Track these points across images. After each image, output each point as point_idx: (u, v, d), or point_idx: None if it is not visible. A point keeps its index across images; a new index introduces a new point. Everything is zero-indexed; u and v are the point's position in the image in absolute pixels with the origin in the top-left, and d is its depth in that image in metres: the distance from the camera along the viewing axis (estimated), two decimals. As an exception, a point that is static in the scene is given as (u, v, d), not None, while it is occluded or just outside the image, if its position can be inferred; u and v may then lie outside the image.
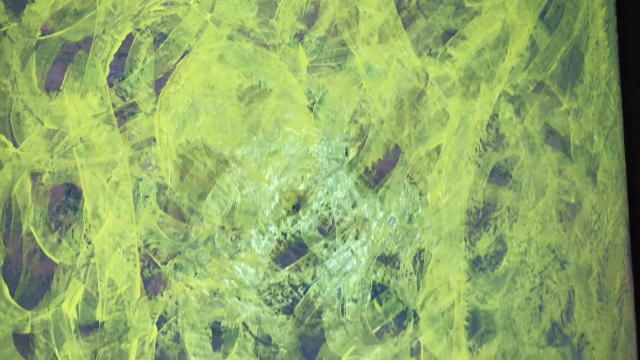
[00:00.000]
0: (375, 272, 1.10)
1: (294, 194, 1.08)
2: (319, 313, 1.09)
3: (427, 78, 1.13)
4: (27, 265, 1.04)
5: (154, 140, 1.06)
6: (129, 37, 1.08)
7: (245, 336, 1.07)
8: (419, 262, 1.11)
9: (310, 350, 1.09)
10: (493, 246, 1.12)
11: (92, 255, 1.05)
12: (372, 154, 1.10)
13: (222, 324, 1.07)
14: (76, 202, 1.05)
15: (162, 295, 1.06)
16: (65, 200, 1.05)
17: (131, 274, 1.05)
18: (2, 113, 1.05)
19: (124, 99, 1.07)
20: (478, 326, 1.12)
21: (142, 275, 1.06)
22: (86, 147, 1.05)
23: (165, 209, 1.06)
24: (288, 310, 1.08)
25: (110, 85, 1.07)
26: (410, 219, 1.11)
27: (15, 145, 1.05)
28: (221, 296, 1.07)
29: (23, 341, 1.04)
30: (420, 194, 1.11)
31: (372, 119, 1.10)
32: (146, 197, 1.06)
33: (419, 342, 1.11)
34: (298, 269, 1.09)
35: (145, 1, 1.08)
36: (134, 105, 1.07)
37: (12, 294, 1.03)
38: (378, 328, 1.10)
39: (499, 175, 1.12)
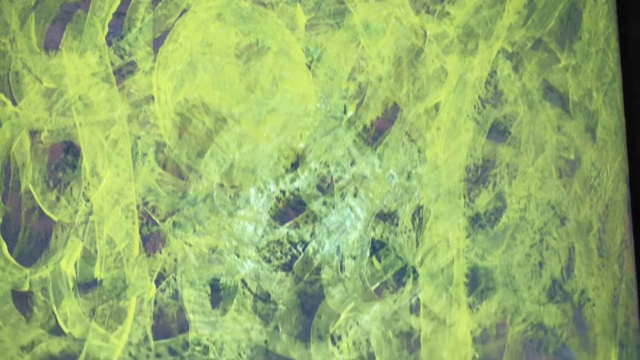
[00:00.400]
0: (374, 229, 1.10)
1: (293, 151, 1.08)
2: (318, 270, 1.09)
3: (425, 35, 1.12)
4: (25, 223, 1.04)
5: (153, 98, 1.06)
6: (126, -5, 1.08)
7: (244, 293, 1.07)
8: (417, 219, 1.10)
9: (309, 307, 1.08)
10: (492, 203, 1.12)
11: (90, 213, 1.04)
12: (371, 111, 1.10)
13: (220, 281, 1.07)
14: (75, 160, 1.05)
15: (160, 253, 1.06)
16: (64, 158, 1.04)
17: (130, 232, 1.05)
18: (1, 72, 1.05)
19: (122, 57, 1.07)
20: (478, 283, 1.12)
21: (140, 232, 1.05)
22: (85, 105, 1.05)
23: (164, 167, 1.06)
24: (287, 267, 1.08)
25: (109, 44, 1.07)
26: (409, 176, 1.10)
27: (14, 103, 1.04)
28: (220, 253, 1.07)
29: (21, 299, 1.03)
30: (419, 151, 1.10)
31: (371, 76, 1.10)
32: (145, 155, 1.06)
33: (418, 299, 1.10)
34: (297, 226, 1.08)
35: (142, -42, 1.08)
36: (132, 63, 1.07)
37: (10, 251, 1.03)
38: (377, 285, 1.10)
39: (498, 132, 1.12)
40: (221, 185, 1.07)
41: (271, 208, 1.08)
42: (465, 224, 1.11)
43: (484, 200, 1.12)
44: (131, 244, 1.05)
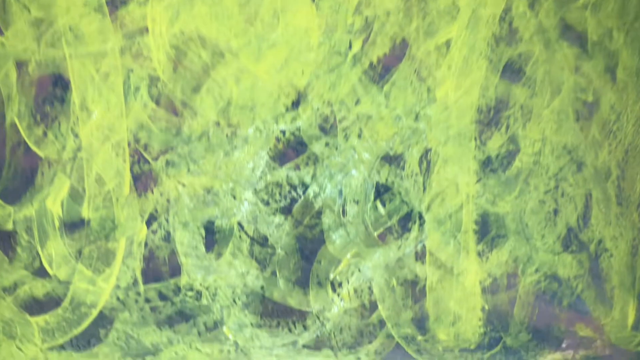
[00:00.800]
0: (378, 172, 1.05)
1: (294, 89, 1.03)
2: (319, 214, 1.05)
3: (436, -32, 1.07)
4: (10, 159, 1.00)
5: (147, 30, 1.01)
6: None
7: (240, 236, 1.03)
8: (425, 163, 1.05)
9: (309, 252, 1.05)
10: (505, 146, 1.06)
11: (79, 149, 1.00)
12: (378, 47, 1.04)
13: (215, 224, 1.03)
14: (63, 93, 1.00)
15: (152, 193, 1.02)
16: (52, 92, 1.00)
17: (120, 170, 1.01)
18: (-14, 0, 1.00)
19: (115, -14, 1.02)
20: (488, 230, 1.07)
21: (131, 171, 1.01)
22: (75, 36, 1.00)
23: (157, 102, 1.01)
24: (286, 211, 1.04)
25: (101, -28, 1.02)
26: (417, 117, 1.05)
27: (0, 33, 1.00)
28: (215, 194, 1.03)
29: (4, 238, 1.01)
30: (428, 91, 1.05)
31: (378, 10, 1.05)
32: (137, 89, 1.01)
33: (424, 246, 1.06)
34: (297, 167, 1.04)
35: None
36: (125, -7, 1.02)
37: (-6, 188, 1.00)
38: (381, 230, 1.05)
39: (512, 71, 1.06)
40: (217, 123, 1.02)
41: (270, 148, 1.03)
42: (475, 168, 1.06)
43: (496, 143, 1.06)
44: (121, 183, 1.01)
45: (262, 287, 1.04)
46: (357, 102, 1.04)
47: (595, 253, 1.09)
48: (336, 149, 1.04)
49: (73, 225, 1.01)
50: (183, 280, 1.03)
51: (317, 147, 1.04)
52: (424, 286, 1.06)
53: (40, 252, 1.01)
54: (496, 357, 1.08)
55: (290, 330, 1.05)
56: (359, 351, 1.06)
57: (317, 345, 1.06)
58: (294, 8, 1.03)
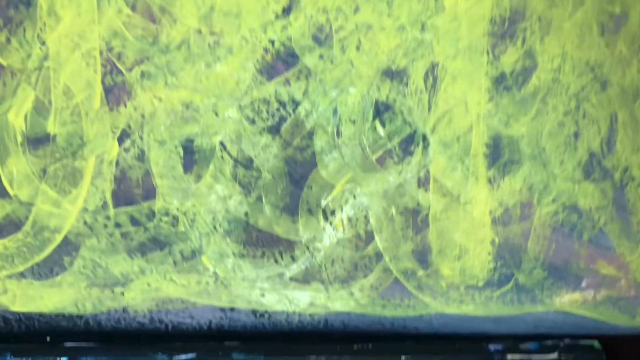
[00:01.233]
0: (378, 88, 0.97)
1: (285, -6, 0.96)
2: (310, 134, 0.97)
3: None
4: None
5: None
6: None
7: (222, 157, 0.97)
8: (431, 78, 0.98)
9: (299, 176, 0.98)
10: (520, 61, 0.98)
11: (45, 58, 0.94)
12: (380, -51, 0.97)
13: (195, 142, 0.96)
14: (29, -4, 0.93)
15: (125, 107, 0.95)
16: (17, -5, 0.93)
17: (90, 81, 0.94)
18: None
19: None
20: (500, 154, 0.99)
21: (103, 82, 0.95)
22: None
23: (133, 8, 0.94)
24: (274, 130, 0.97)
25: None
26: (423, 28, 0.97)
27: None
28: (195, 110, 0.96)
29: (-42, 154, 0.95)
30: (436, -1, 0.98)
31: None
32: (111, -7, 0.94)
33: (428, 171, 0.99)
34: (287, 82, 0.96)
35: None
36: None
37: (-51, 99, 0.94)
38: (380, 153, 0.98)
39: (530, -22, 0.99)
40: (199, 31, 0.95)
41: (257, 60, 0.96)
42: (487, 85, 0.98)
43: (510, 58, 0.98)
44: (91, 95, 0.94)
45: (245, 214, 0.98)
46: (356, 9, 0.96)
47: (620, 182, 1.02)
48: (331, 62, 0.97)
49: (37, 141, 0.95)
50: (158, 204, 0.96)
51: (309, 60, 0.96)
52: (427, 216, 1.00)
53: (0, 170, 0.95)
54: (507, 295, 1.02)
55: (276, 261, 0.99)
56: (352, 285, 1.00)
57: (306, 278, 1.00)
58: None
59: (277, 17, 0.95)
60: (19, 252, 0.95)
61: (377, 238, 0.99)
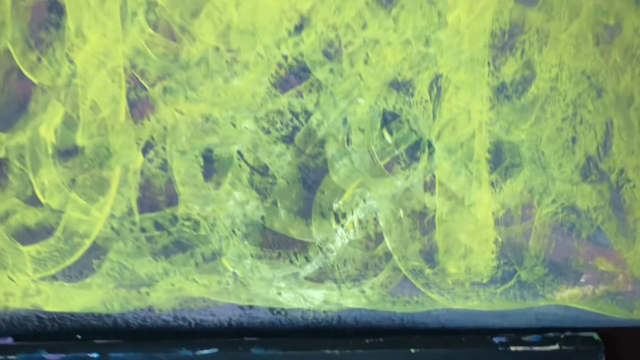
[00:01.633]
0: (386, 99, 1.01)
1: (297, 12, 0.99)
2: (322, 143, 1.01)
3: None
4: (3, 85, 0.97)
5: (144, -47, 0.98)
6: None
7: (239, 165, 1.00)
8: (435, 89, 1.01)
9: (311, 181, 1.01)
10: (520, 71, 1.02)
11: (74, 76, 0.98)
12: (385, -31, 1.00)
13: (214, 152, 1.00)
14: (59, 18, 0.97)
15: (149, 120, 0.99)
16: (47, 17, 0.97)
17: (116, 96, 0.98)
18: None
19: None
20: (502, 159, 1.02)
21: (127, 97, 0.98)
22: (70, -40, 0.98)
23: (155, 28, 0.98)
24: (288, 139, 1.00)
25: None
26: (427, 42, 1.00)
27: (-6, -42, 0.97)
28: (214, 122, 0.99)
29: (-3, 165, 0.99)
30: (439, 14, 1.00)
31: None
32: (134, 14, 0.98)
33: (433, 176, 1.02)
34: (300, 94, 1.00)
35: None
36: None
37: (-14, 115, 0.98)
38: (387, 159, 1.02)
39: (528, -7, 1.02)
40: (217, 49, 0.98)
41: (272, 74, 0.99)
42: (489, 94, 1.01)
43: (510, 69, 1.01)
44: (117, 110, 0.98)
45: (262, 218, 1.01)
46: (364, 26, 1.00)
47: (616, 183, 1.04)
48: (341, 75, 1.00)
49: (67, 153, 0.98)
50: (180, 209, 1.00)
51: (320, 74, 1.00)
52: (433, 217, 1.02)
53: (32, 180, 0.98)
54: (510, 291, 1.04)
55: (291, 261, 1.02)
56: (363, 284, 1.03)
57: (319, 277, 1.03)
58: None
59: (289, 34, 0.99)
60: (51, 256, 0.99)
61: (386, 239, 1.02)
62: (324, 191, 1.01)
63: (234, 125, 0.99)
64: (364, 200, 1.02)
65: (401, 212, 1.02)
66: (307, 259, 1.02)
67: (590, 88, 1.03)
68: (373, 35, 1.00)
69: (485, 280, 1.04)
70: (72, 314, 1.01)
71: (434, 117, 1.01)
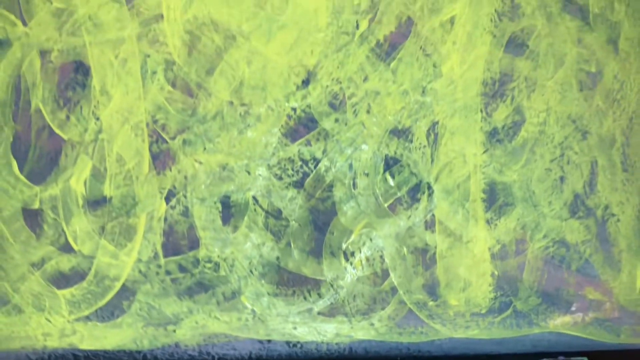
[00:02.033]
0: (387, 145, 1.07)
1: (304, 68, 1.06)
2: (330, 187, 1.07)
3: (439, -52, 1.09)
4: (35, 142, 1.03)
5: (162, 16, 1.04)
6: None
7: (255, 210, 1.06)
8: (433, 135, 1.07)
9: (322, 223, 1.07)
10: (510, 117, 1.08)
11: (100, 131, 1.04)
12: (384, 26, 1.07)
13: (231, 198, 1.05)
14: (84, 79, 1.03)
15: (170, 170, 1.05)
16: (74, 78, 1.03)
17: (139, 149, 1.04)
18: (10, -7, 1.04)
19: (131, -23, 1.05)
20: (496, 198, 1.08)
21: (150, 150, 1.04)
22: (94, 25, 1.04)
23: (173, 85, 1.04)
24: (298, 185, 1.06)
25: (118, -36, 1.06)
26: (423, 92, 1.07)
27: (24, 23, 1.03)
28: (230, 170, 1.05)
29: (32, 216, 1.04)
30: (434, 66, 1.07)
31: (383, -10, 1.07)
32: (154, 73, 1.04)
33: (433, 215, 1.08)
34: (308, 143, 1.06)
35: None
36: (141, -17, 1.05)
37: (21, 170, 1.03)
38: (391, 201, 1.07)
39: (515, 45, 1.08)
40: (231, 103, 1.05)
41: (282, 125, 1.06)
42: (482, 139, 1.08)
43: (501, 115, 1.08)
44: (141, 162, 1.04)
45: (277, 258, 1.06)
46: (365, 79, 1.06)
47: (602, 218, 1.10)
48: (346, 124, 1.06)
49: (96, 203, 1.04)
50: (202, 252, 1.05)
51: (327, 123, 1.06)
52: (434, 254, 1.08)
53: (65, 229, 1.04)
54: (507, 320, 1.09)
55: (305, 298, 1.07)
56: (372, 317, 1.08)
57: (331, 312, 1.08)
58: (302, -9, 1.06)
59: (297, 88, 1.05)
60: (84, 298, 1.04)
61: (392, 275, 1.08)
62: (334, 232, 1.07)
63: (249, 173, 1.05)
64: (370, 239, 1.07)
65: (405, 250, 1.08)
66: (320, 295, 1.07)
67: (575, 131, 1.09)
68: (374, 87, 1.07)
69: (483, 311, 1.09)
70: (105, 351, 1.06)
71: (432, 161, 1.07)
